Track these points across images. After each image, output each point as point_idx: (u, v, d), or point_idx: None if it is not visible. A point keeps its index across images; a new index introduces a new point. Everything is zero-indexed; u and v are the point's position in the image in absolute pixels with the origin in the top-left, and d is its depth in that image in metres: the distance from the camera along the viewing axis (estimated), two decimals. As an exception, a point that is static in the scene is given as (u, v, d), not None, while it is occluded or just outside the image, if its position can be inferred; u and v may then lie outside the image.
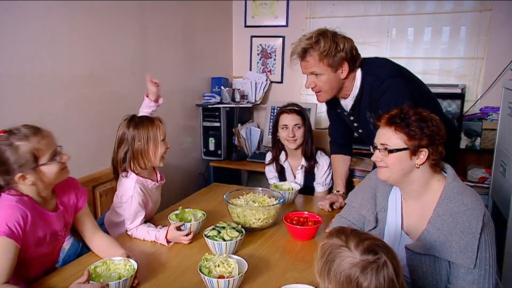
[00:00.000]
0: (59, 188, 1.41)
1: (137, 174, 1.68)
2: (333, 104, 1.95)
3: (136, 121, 1.67)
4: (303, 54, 1.70)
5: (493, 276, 1.16)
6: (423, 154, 1.21)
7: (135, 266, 1.29)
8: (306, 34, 1.73)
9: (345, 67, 1.72)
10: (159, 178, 1.83)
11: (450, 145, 1.83)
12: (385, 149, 1.24)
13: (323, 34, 1.70)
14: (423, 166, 1.23)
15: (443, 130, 1.23)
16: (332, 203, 1.97)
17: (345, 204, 1.66)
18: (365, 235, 0.93)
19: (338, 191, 2.06)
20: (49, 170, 1.28)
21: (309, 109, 3.07)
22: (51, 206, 1.37)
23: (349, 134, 2.11)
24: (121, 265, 1.31)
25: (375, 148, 1.28)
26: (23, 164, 1.22)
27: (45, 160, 1.26)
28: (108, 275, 1.28)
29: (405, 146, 1.21)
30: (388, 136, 1.24)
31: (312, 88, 1.77)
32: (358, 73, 1.76)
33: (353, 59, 1.73)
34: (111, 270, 1.30)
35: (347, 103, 1.85)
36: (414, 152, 1.21)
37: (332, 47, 1.67)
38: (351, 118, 1.90)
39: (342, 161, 2.11)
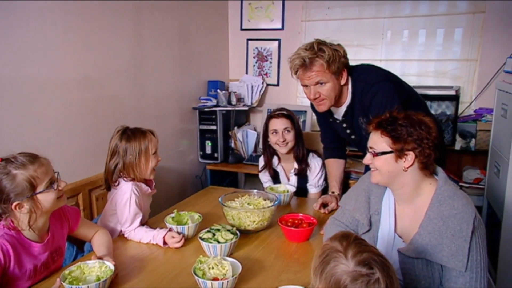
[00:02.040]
0: (52, 216, 1.40)
1: (131, 180, 1.70)
2: (322, 113, 1.96)
3: (128, 134, 1.68)
4: (309, 64, 1.69)
5: (484, 279, 1.17)
6: (410, 157, 1.22)
7: (112, 267, 1.31)
8: (302, 47, 1.73)
9: (345, 73, 1.75)
10: (153, 186, 1.85)
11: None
12: (373, 152, 1.27)
13: (321, 43, 1.71)
14: (412, 169, 1.24)
15: (434, 133, 1.24)
16: (325, 204, 1.98)
17: (338, 206, 1.67)
18: (367, 247, 0.93)
19: (333, 193, 2.07)
20: (46, 198, 1.28)
21: (305, 111, 3.09)
22: (42, 235, 1.36)
23: (340, 140, 2.13)
24: (96, 267, 1.32)
25: (367, 151, 1.32)
26: (20, 193, 1.23)
27: (42, 188, 1.27)
28: (83, 278, 1.30)
29: (390, 150, 1.24)
30: (375, 140, 1.27)
31: (315, 98, 1.77)
32: (349, 80, 1.79)
33: (349, 65, 1.77)
34: (85, 273, 1.31)
35: (340, 111, 1.88)
36: (399, 155, 1.23)
37: (335, 54, 1.69)
38: (344, 125, 1.92)
39: (335, 164, 2.13)
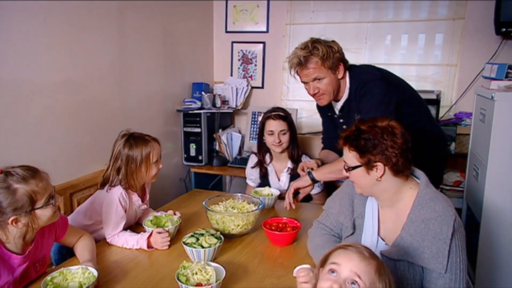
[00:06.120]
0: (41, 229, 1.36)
1: (124, 187, 1.70)
2: (326, 109, 2.02)
3: (131, 142, 1.69)
4: (305, 62, 1.77)
5: (463, 280, 1.20)
6: (379, 167, 1.24)
7: (95, 273, 1.30)
8: (298, 46, 1.82)
9: (341, 67, 1.82)
10: (147, 197, 1.85)
11: (434, 150, 1.89)
12: (346, 167, 1.31)
13: (316, 41, 1.80)
14: (386, 177, 1.26)
15: (399, 139, 1.23)
16: (297, 189, 1.97)
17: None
18: None
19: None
20: (44, 213, 1.25)
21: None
22: (25, 245, 1.31)
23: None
24: (79, 273, 1.30)
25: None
26: (19, 208, 1.19)
27: (42, 204, 1.23)
28: (66, 285, 1.27)
29: (358, 164, 1.27)
30: (345, 155, 1.31)
31: (315, 94, 1.85)
32: (347, 75, 1.85)
33: (345, 59, 1.84)
34: (68, 279, 1.29)
35: (338, 106, 1.93)
36: (368, 167, 1.25)
37: (329, 50, 1.77)
38: (340, 121, 1.96)
39: (326, 152, 2.13)
